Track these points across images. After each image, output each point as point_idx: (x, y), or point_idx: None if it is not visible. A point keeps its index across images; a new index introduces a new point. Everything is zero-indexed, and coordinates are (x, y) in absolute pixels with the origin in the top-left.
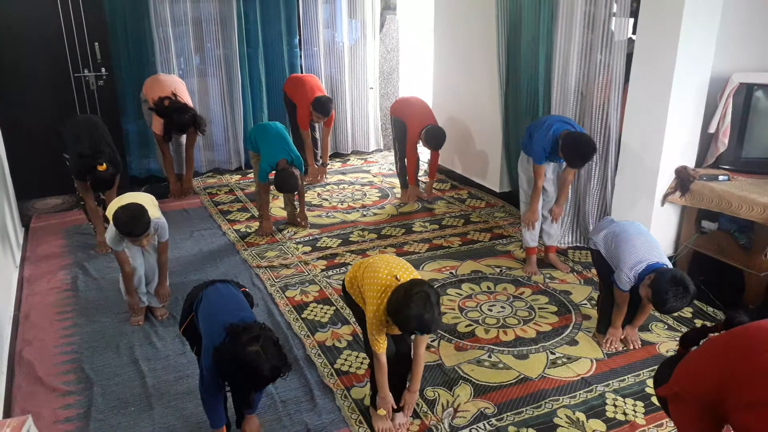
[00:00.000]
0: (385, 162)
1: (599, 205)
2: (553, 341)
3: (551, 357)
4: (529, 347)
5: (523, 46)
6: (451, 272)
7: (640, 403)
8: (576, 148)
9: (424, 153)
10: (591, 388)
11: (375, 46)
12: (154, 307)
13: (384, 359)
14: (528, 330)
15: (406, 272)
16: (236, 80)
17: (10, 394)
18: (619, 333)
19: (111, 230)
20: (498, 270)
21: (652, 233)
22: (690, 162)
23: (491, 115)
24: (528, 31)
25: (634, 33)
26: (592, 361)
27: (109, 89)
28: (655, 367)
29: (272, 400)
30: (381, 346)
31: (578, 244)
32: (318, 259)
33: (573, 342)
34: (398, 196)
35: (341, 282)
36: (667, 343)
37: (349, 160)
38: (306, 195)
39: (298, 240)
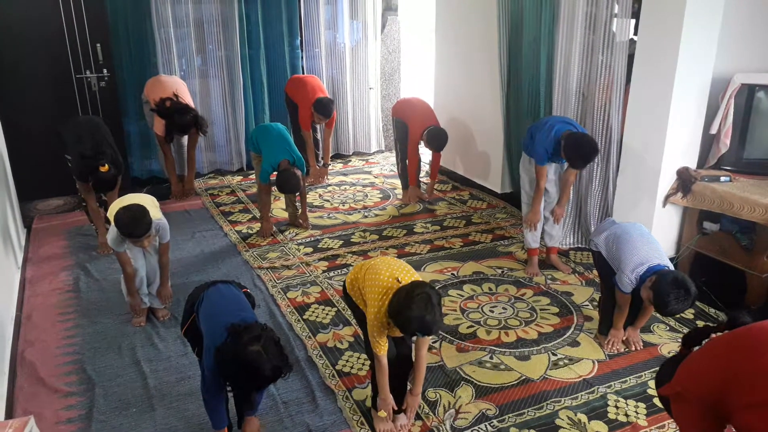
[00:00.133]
0: (387, 163)
1: (601, 206)
2: (555, 342)
3: (553, 358)
4: (531, 348)
5: (524, 46)
6: (452, 273)
7: (641, 405)
8: (578, 149)
9: (425, 154)
10: (593, 389)
11: (376, 47)
12: (156, 308)
13: (385, 361)
14: (529, 331)
15: (408, 274)
16: (238, 81)
17: (12, 395)
18: (620, 334)
19: (112, 231)
20: (499, 271)
21: (654, 234)
22: (691, 163)
23: (493, 116)
24: (529, 31)
25: (635, 34)
26: (593, 362)
27: (110, 90)
28: (657, 368)
29: (274, 401)
30: (382, 348)
31: (580, 245)
32: (319, 260)
33: (575, 343)
34: (400, 197)
35: (342, 283)
36: (668, 345)
37: (350, 161)
38: (307, 196)
39: (299, 241)
